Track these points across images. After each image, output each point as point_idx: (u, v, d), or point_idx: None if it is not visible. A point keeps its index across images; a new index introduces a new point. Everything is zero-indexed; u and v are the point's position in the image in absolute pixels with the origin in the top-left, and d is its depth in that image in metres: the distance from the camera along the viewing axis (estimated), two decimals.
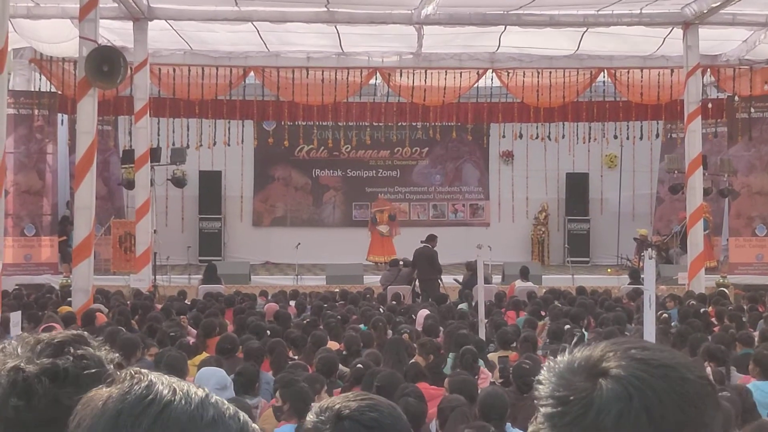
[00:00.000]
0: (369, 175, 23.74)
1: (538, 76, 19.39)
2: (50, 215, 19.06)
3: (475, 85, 19.68)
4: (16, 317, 8.86)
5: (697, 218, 16.57)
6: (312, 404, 2.04)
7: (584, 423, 1.26)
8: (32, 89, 19.26)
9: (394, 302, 14.32)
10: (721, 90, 20.08)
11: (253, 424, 1.32)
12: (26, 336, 1.71)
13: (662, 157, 21.57)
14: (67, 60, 18.28)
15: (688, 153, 16.72)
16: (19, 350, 1.66)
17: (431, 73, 19.33)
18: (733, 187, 18.99)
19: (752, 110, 19.28)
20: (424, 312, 11.61)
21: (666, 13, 16.46)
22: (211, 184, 22.57)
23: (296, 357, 8.70)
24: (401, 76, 19.53)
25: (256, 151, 22.95)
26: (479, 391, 6.16)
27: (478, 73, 19.38)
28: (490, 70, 19.33)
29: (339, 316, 11.20)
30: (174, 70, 19.03)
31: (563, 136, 21.16)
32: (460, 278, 16.91)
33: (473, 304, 12.70)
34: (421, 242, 17.05)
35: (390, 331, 10.20)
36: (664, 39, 17.67)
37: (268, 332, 9.33)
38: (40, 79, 19.33)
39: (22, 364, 1.62)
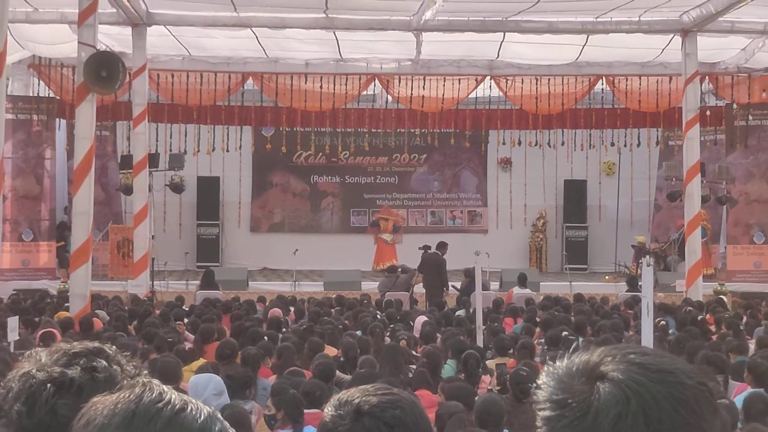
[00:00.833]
0: (367, 181, 23.75)
1: (536, 84, 19.44)
2: (48, 220, 19.06)
3: (474, 93, 19.72)
4: (13, 322, 8.85)
5: (695, 226, 16.57)
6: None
7: (582, 426, 1.26)
8: (31, 94, 19.29)
9: (392, 309, 14.26)
10: (720, 97, 20.13)
11: None
12: (60, 346, 1.74)
13: (660, 165, 21.55)
14: (66, 65, 18.30)
15: (686, 160, 16.71)
16: (43, 358, 1.70)
17: (430, 80, 19.36)
18: (731, 194, 19.00)
19: (750, 118, 19.31)
20: (421, 318, 11.61)
21: (664, 20, 16.46)
22: (209, 189, 22.56)
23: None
24: (400, 82, 19.55)
25: (254, 157, 22.95)
26: (476, 398, 6.15)
27: (476, 80, 19.41)
28: (489, 77, 19.36)
29: (340, 326, 11.14)
30: (172, 76, 19.09)
31: (561, 143, 21.20)
32: (458, 285, 16.88)
33: (471, 310, 12.68)
34: (423, 247, 16.97)
35: (387, 338, 10.19)
36: (663, 50, 17.69)
37: (266, 338, 9.32)
38: (38, 85, 19.35)
39: (33, 371, 1.65)
